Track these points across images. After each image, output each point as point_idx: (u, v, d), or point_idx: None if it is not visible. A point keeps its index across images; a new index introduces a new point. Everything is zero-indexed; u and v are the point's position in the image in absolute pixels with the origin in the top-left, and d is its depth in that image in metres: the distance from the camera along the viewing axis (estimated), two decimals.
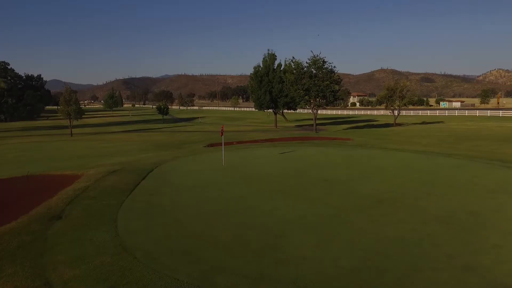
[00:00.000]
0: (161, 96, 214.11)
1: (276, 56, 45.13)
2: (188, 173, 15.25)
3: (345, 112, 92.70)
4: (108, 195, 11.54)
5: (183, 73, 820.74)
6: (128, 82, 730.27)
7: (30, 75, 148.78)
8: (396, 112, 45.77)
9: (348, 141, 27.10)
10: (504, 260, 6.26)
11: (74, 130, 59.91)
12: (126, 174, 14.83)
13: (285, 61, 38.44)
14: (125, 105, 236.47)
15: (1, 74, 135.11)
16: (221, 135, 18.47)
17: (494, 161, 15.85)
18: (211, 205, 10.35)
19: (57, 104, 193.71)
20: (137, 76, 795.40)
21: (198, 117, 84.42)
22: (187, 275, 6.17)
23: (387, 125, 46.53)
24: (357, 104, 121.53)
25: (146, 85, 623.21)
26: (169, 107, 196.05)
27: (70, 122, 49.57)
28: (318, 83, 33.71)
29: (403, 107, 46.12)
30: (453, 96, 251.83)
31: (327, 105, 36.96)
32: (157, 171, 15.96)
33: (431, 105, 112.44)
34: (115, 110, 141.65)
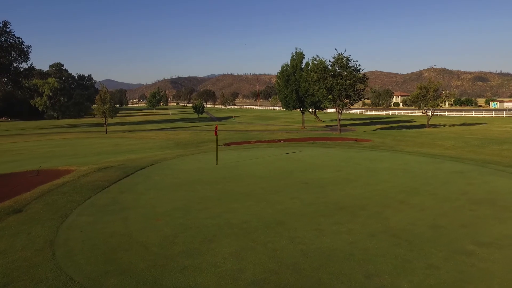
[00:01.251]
0: (203, 95, 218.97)
1: (304, 55, 44.19)
2: (176, 172, 15.22)
3: (384, 113, 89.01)
4: (80, 191, 11.76)
5: (228, 73, 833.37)
6: (175, 82, 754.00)
7: (81, 75, 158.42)
8: (429, 113, 43.01)
9: (366, 142, 25.89)
10: (429, 285, 5.42)
11: (114, 128, 62.79)
12: (115, 171, 15.09)
13: (312, 59, 37.43)
14: (170, 104, 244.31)
15: (56, 74, 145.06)
16: (215, 135, 18.25)
17: (510, 167, 14.25)
18: (168, 205, 10.18)
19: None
20: (184, 76, 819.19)
21: (232, 116, 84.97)
22: (85, 276, 6.03)
23: (420, 126, 43.94)
24: (400, 104, 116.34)
25: (193, 84, 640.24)
26: (213, 106, 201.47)
27: (105, 119, 51.86)
28: (341, 82, 32.47)
29: (437, 108, 43.24)
30: (510, 96, 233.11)
31: (351, 104, 35.55)
32: (149, 169, 16.13)
33: (479, 106, 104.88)
34: (157, 109, 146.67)
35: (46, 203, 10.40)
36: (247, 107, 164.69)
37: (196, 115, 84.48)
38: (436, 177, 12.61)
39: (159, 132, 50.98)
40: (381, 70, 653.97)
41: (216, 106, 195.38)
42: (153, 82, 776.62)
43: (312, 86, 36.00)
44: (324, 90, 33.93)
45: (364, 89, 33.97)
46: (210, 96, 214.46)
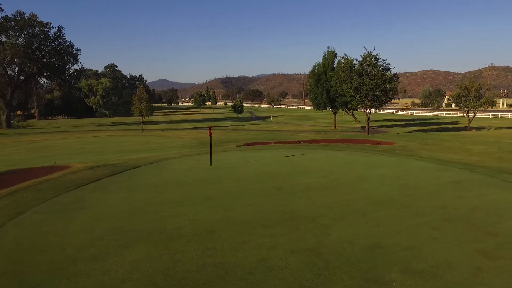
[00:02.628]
0: (250, 95, 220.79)
1: (336, 53, 42.64)
2: (165, 172, 15.23)
3: (432, 114, 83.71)
4: (55, 188, 12.09)
5: (278, 72, 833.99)
6: (226, 81, 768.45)
7: (133, 75, 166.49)
8: (471, 114, 39.43)
9: (388, 145, 24.34)
10: None
11: (153, 126, 65.19)
12: (104, 170, 15.43)
13: (340, 58, 35.88)
14: (218, 103, 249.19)
15: (110, 75, 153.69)
16: (209, 135, 18.01)
17: None
18: (124, 206, 10.09)
19: (157, 101, 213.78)
20: (235, 76, 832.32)
21: (270, 116, 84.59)
22: None
23: (462, 129, 40.55)
24: (453, 104, 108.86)
25: (243, 84, 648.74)
26: (259, 105, 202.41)
27: (142, 118, 53.89)
28: (368, 82, 30.79)
29: (480, 109, 39.57)
30: None
31: (380, 105, 33.64)
32: (141, 168, 16.34)
33: None
34: (203, 108, 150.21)
35: (14, 199, 10.78)
36: (292, 106, 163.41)
37: (235, 115, 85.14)
38: (426, 187, 11.33)
39: (192, 131, 51.98)
40: (437, 69, 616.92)
41: (262, 105, 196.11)
42: (205, 81, 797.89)
43: (339, 85, 34.57)
44: (351, 90, 32.44)
45: (394, 89, 31.91)
46: (256, 95, 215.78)
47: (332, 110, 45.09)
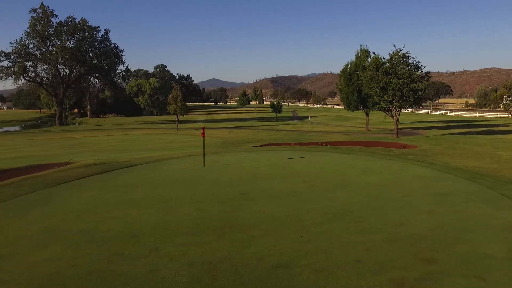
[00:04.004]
0: (297, 94, 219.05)
1: (369, 52, 40.57)
2: (154, 172, 15.36)
3: (484, 115, 77.22)
4: (36, 184, 12.60)
5: (328, 71, 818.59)
6: (276, 81, 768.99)
7: (181, 75, 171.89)
8: None
9: (411, 148, 22.71)
10: None
11: (190, 125, 66.73)
12: (96, 168, 15.86)
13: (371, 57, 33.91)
14: (266, 103, 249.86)
15: (159, 74, 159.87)
16: (202, 136, 17.83)
17: None
18: (81, 205, 10.20)
19: (204, 100, 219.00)
20: (285, 75, 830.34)
21: (309, 116, 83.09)
22: None
23: (506, 132, 36.81)
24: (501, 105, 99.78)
25: (292, 83, 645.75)
26: (305, 105, 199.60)
27: (177, 117, 55.31)
28: (394, 81, 28.88)
29: None
30: None
31: (410, 106, 31.47)
32: (135, 167, 16.64)
33: None
34: (247, 107, 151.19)
35: None
36: (338, 106, 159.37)
37: (274, 114, 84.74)
38: (402, 199, 10.22)
39: (225, 130, 52.41)
40: (499, 67, 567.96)
41: (308, 105, 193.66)
42: (255, 81, 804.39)
43: (365, 84, 32.83)
44: (377, 90, 30.71)
45: (424, 89, 29.61)
46: (303, 95, 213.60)
47: (364, 111, 43.05)
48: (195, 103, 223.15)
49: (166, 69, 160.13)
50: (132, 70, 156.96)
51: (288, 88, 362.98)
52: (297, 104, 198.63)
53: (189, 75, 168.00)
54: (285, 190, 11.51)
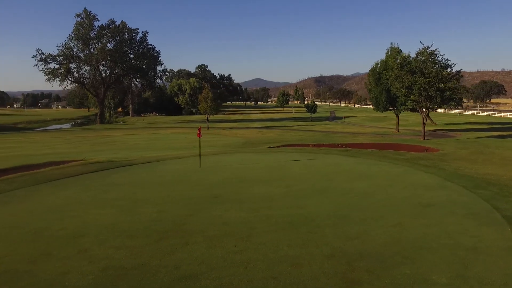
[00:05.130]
0: (338, 94, 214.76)
1: (400, 50, 38.40)
2: (147, 172, 15.50)
3: None
4: (30, 180, 13.15)
5: None
6: (319, 80, 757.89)
7: (222, 75, 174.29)
8: None
9: (433, 152, 21.24)
10: None
11: (222, 124, 67.47)
12: (94, 167, 16.27)
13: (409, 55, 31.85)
14: (307, 102, 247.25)
15: (200, 74, 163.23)
16: (198, 136, 17.70)
17: None
18: (51, 203, 10.44)
19: (245, 100, 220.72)
20: (328, 74, 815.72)
21: (343, 117, 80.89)
22: None
23: None
24: None
25: (336, 83, 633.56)
26: (346, 105, 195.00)
27: (207, 117, 55.98)
28: (420, 80, 27.07)
29: None
30: None
31: (439, 106, 29.38)
32: (132, 167, 16.87)
33: None
34: (286, 107, 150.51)
35: None
36: None
37: (309, 114, 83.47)
38: (377, 209, 9.32)
39: (253, 130, 52.31)
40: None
41: (350, 105, 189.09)
42: (298, 80, 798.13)
43: (391, 83, 31.09)
44: (403, 89, 29.04)
45: (453, 88, 27.46)
46: (344, 95, 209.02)
47: (394, 111, 40.93)
48: (236, 102, 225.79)
49: (207, 69, 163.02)
50: (175, 70, 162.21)
51: (331, 87, 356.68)
52: (338, 104, 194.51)
53: (230, 75, 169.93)
54: (261, 194, 11.06)
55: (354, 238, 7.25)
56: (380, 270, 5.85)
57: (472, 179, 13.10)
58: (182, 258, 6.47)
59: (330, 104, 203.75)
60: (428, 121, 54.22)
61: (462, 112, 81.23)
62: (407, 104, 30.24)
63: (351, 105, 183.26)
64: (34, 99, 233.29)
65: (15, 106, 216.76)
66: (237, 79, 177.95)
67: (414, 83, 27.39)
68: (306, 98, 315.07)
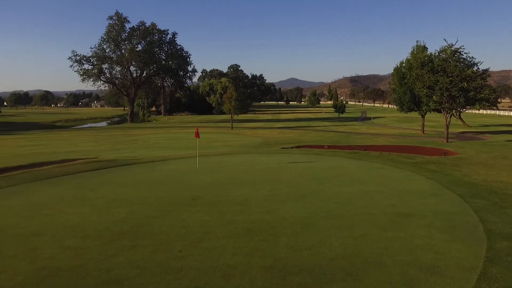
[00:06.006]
0: (372, 94, 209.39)
1: (427, 48, 36.45)
2: (145, 171, 15.72)
3: None
4: (29, 177, 13.73)
5: None
6: (354, 80, 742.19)
7: (254, 74, 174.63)
8: None
9: (452, 155, 20.03)
10: None
11: (249, 124, 67.53)
12: (94, 165, 16.65)
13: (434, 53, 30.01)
14: (335, 102, 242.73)
15: (232, 74, 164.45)
16: (196, 136, 17.61)
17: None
18: (29, 201, 10.74)
19: (278, 100, 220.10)
20: (364, 74, 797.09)
21: (371, 118, 78.52)
22: None
23: None
24: None
25: (372, 83, 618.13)
26: (380, 105, 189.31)
27: (231, 116, 56.19)
28: (442, 80, 25.55)
29: None
30: None
31: (463, 107, 27.62)
32: (130, 166, 17.12)
33: None
34: (317, 107, 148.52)
35: None
36: None
37: (337, 115, 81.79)
38: (350, 217, 8.74)
39: (275, 130, 51.91)
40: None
41: (384, 105, 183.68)
42: (333, 80, 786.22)
43: (412, 83, 29.60)
44: (423, 90, 27.61)
45: (479, 88, 25.66)
46: (378, 95, 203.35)
47: (419, 112, 38.99)
48: (269, 102, 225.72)
49: (239, 69, 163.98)
50: (208, 70, 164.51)
51: (366, 87, 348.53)
52: (372, 104, 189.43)
53: (262, 74, 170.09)
54: (241, 197, 10.79)
55: (305, 249, 6.82)
56: (313, 287, 5.44)
57: (476, 186, 12.13)
58: (120, 262, 6.36)
59: (364, 104, 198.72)
60: (460, 122, 51.42)
61: (502, 113, 76.33)
62: (429, 105, 28.71)
63: (385, 105, 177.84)
64: (76, 99, 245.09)
65: (58, 105, 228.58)
66: (272, 78, 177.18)
67: (436, 82, 25.93)
68: (341, 98, 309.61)
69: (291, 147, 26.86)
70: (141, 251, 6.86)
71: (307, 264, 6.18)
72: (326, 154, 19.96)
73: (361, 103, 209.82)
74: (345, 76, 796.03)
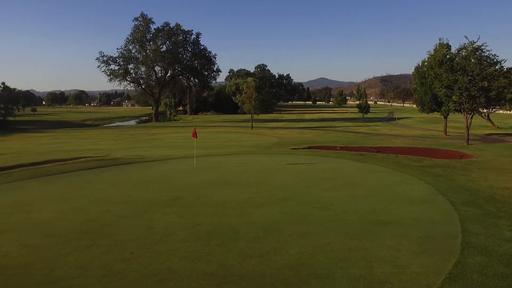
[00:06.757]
0: (401, 94, 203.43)
1: (450, 46, 34.59)
2: (142, 170, 15.82)
3: None
4: (27, 174, 14.16)
5: None
6: (385, 80, 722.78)
7: (281, 74, 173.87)
8: None
9: (464, 159, 19.03)
10: None
11: (269, 124, 67.23)
12: (94, 163, 16.98)
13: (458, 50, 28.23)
14: (369, 102, 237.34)
15: (259, 74, 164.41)
16: (194, 137, 17.53)
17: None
18: (20, 197, 11.07)
19: (305, 100, 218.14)
20: (395, 74, 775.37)
21: (396, 118, 76.10)
22: None
23: None
24: None
25: (403, 82, 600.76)
26: (410, 105, 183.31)
27: (251, 116, 56.04)
28: (461, 79, 24.20)
29: None
30: None
31: (485, 108, 26.07)
32: (131, 166, 17.29)
33: None
34: (343, 107, 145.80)
35: None
36: None
37: (361, 115, 79.90)
38: (321, 224, 8.31)
39: (294, 130, 51.27)
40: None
41: (413, 105, 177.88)
42: (363, 80, 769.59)
43: (430, 83, 28.22)
44: (442, 89, 26.31)
45: (502, 88, 24.07)
46: (408, 95, 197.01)
47: (441, 113, 37.12)
48: (296, 102, 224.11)
49: (266, 68, 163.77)
50: (235, 70, 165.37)
51: (396, 87, 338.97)
52: (402, 105, 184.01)
53: (288, 74, 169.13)
54: (219, 200, 10.60)
55: (257, 256, 6.53)
56: None
57: (476, 193, 11.36)
58: (67, 261, 6.36)
59: (393, 104, 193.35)
60: (488, 123, 48.82)
61: None
62: (448, 105, 27.32)
63: (414, 106, 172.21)
64: (108, 98, 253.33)
65: (92, 104, 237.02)
66: (301, 78, 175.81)
67: (455, 82, 24.64)
68: (371, 97, 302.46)
69: (302, 148, 26.36)
70: (94, 251, 6.81)
71: (250, 272, 5.90)
72: (331, 156, 19.40)
73: (390, 103, 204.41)
74: (375, 76, 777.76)
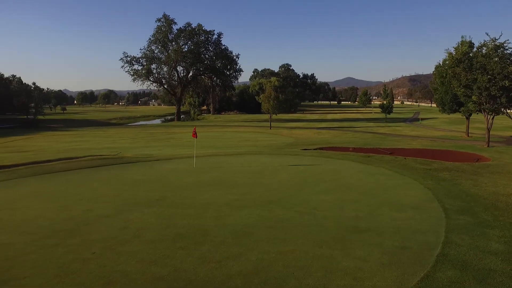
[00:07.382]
0: (428, 94, 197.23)
1: (472, 44, 32.91)
2: (141, 170, 15.99)
3: None
4: (29, 172, 14.58)
5: None
6: (414, 79, 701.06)
7: (306, 74, 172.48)
8: None
9: (480, 162, 18.14)
10: None
11: (289, 124, 66.71)
12: (98, 162, 17.31)
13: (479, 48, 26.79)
14: (396, 102, 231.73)
15: (283, 73, 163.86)
16: (193, 136, 17.51)
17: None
18: (9, 195, 11.34)
19: (330, 100, 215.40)
20: (424, 73, 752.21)
21: (419, 118, 73.59)
22: None
23: None
24: None
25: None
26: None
27: (270, 116, 55.78)
28: (480, 78, 22.97)
29: None
30: None
31: (508, 108, 24.60)
32: (135, 164, 17.50)
33: None
34: (368, 107, 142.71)
35: None
36: None
37: (383, 115, 77.96)
38: (302, 229, 8.07)
39: (313, 130, 50.61)
40: None
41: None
42: (391, 79, 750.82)
43: (448, 82, 26.97)
44: (460, 89, 25.12)
45: None
46: (433, 95, 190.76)
47: (461, 113, 35.33)
48: (322, 102, 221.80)
49: (291, 68, 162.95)
50: (259, 70, 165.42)
51: (425, 86, 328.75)
52: (429, 105, 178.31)
53: (313, 74, 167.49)
54: (203, 201, 10.50)
55: (214, 262, 6.36)
56: None
57: (476, 200, 10.71)
58: (28, 260, 6.43)
59: (420, 104, 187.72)
60: None
61: None
62: (468, 105, 26.06)
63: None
64: (135, 98, 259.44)
65: (120, 103, 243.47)
66: (327, 78, 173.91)
67: (474, 81, 23.45)
68: (398, 97, 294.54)
69: (313, 149, 25.92)
70: (58, 250, 6.85)
71: (201, 278, 5.74)
72: (336, 157, 18.93)
73: (417, 103, 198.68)
74: (403, 75, 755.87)
